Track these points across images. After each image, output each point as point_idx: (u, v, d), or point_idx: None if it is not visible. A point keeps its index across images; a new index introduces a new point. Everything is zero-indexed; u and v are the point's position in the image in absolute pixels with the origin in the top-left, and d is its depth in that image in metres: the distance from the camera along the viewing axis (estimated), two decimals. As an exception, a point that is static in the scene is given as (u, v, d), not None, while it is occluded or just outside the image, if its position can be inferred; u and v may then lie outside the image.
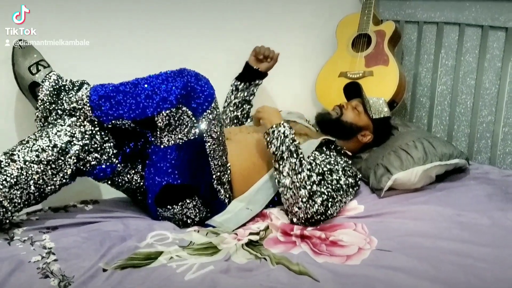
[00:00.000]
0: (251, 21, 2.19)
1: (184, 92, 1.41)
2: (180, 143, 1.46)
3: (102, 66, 1.55)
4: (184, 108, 1.42)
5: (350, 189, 1.70)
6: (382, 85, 2.12)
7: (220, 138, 1.54)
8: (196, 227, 1.57)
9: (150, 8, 1.93)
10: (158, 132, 1.46)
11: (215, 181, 1.57)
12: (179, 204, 1.55)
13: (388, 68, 2.12)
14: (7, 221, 1.40)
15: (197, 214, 1.59)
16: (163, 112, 1.41)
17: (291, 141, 1.59)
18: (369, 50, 2.19)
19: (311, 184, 1.55)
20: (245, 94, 2.07)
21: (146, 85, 1.43)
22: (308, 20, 2.34)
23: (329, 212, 1.58)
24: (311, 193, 1.54)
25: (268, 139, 1.63)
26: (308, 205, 1.54)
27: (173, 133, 1.45)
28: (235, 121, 2.09)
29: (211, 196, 1.58)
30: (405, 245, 1.43)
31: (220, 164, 1.56)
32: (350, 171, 1.73)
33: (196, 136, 1.46)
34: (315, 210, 1.54)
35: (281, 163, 1.57)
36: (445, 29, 2.12)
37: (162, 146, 1.48)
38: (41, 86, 1.52)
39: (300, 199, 1.54)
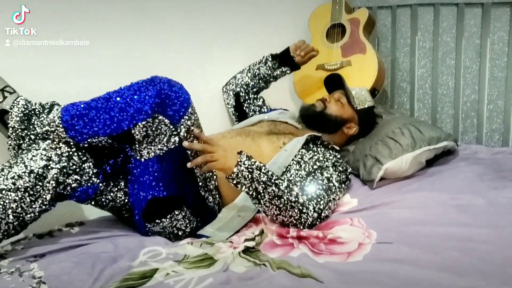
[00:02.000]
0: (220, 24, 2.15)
1: (158, 100, 1.35)
2: (161, 154, 1.40)
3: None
4: (160, 117, 1.37)
5: (343, 185, 1.66)
6: (361, 74, 2.09)
7: (202, 143, 1.48)
8: (189, 239, 1.51)
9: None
10: (137, 145, 1.40)
11: (202, 189, 1.51)
12: (168, 216, 1.49)
13: (366, 56, 2.09)
14: (-12, 254, 1.32)
15: (188, 225, 1.53)
16: (139, 123, 1.35)
17: (258, 173, 1.42)
18: (344, 39, 2.16)
19: (296, 198, 1.48)
20: (268, 72, 2.04)
21: (118, 98, 1.37)
22: (279, 15, 2.31)
23: (323, 214, 1.53)
24: (301, 207, 1.48)
25: (234, 182, 1.43)
26: (302, 220, 1.49)
27: (153, 144, 1.40)
28: (243, 88, 2.06)
29: (200, 204, 1.52)
30: (405, 235, 1.40)
31: (205, 171, 1.50)
32: (341, 166, 1.69)
33: (177, 144, 1.41)
34: (310, 221, 1.50)
35: (259, 198, 1.45)
36: (419, 11, 2.10)
37: (142, 160, 1.42)
38: (10, 113, 1.44)
39: (292, 218, 1.49)
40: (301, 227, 1.49)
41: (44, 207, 1.39)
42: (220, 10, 2.13)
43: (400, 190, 1.71)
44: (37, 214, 1.38)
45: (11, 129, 1.44)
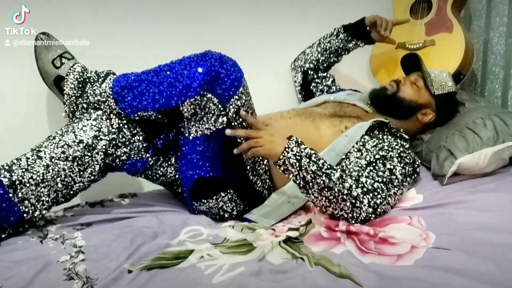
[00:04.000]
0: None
1: (208, 78, 1.29)
2: (209, 133, 1.35)
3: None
4: (209, 95, 1.31)
5: (408, 179, 1.51)
6: (445, 55, 1.87)
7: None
8: (233, 221, 1.46)
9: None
10: (186, 122, 1.36)
11: (250, 173, 1.44)
12: (214, 197, 1.45)
13: (452, 36, 1.87)
14: (37, 218, 1.36)
15: (234, 208, 1.48)
16: (187, 100, 1.30)
17: (307, 161, 1.32)
18: (429, 16, 1.95)
19: (349, 190, 1.35)
20: (340, 45, 1.90)
21: (168, 72, 1.33)
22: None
23: (379, 210, 1.39)
24: (354, 201, 1.35)
25: (281, 169, 1.35)
26: (354, 214, 1.36)
27: (200, 122, 1.34)
28: (313, 63, 1.94)
29: (247, 188, 1.46)
30: (467, 242, 1.23)
31: (254, 153, 1.42)
32: (408, 157, 1.53)
33: (225, 125, 1.34)
34: (364, 216, 1.37)
35: (307, 187, 1.34)
36: (520, -15, 1.83)
37: (190, 137, 1.38)
38: (65, 79, 1.46)
39: (343, 212, 1.37)
40: (353, 222, 1.38)
41: (93, 177, 1.40)
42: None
43: (474, 189, 1.51)
44: (86, 183, 1.41)
45: (66, 96, 1.46)
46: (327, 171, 1.33)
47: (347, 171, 1.44)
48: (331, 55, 1.93)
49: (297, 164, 1.31)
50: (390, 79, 1.81)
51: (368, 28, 1.84)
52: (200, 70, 1.29)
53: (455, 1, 1.91)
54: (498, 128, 1.58)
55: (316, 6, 2.08)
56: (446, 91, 1.70)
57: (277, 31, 2.04)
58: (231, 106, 1.33)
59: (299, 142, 1.34)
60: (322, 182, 1.32)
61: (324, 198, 1.35)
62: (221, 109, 1.33)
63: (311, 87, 1.96)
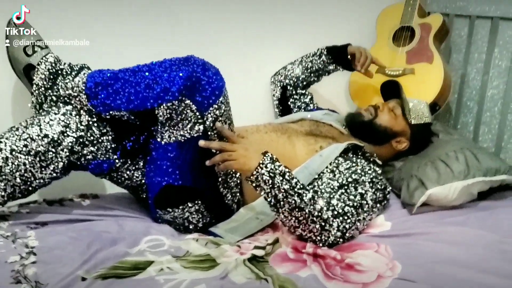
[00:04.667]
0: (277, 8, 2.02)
1: (188, 83, 1.24)
2: (182, 141, 1.30)
3: (102, 66, 1.49)
4: (187, 101, 1.26)
5: (377, 205, 1.49)
6: (424, 85, 1.88)
7: (228, 137, 1.36)
8: (197, 234, 1.41)
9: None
10: (160, 127, 1.31)
11: (221, 185, 1.39)
12: (180, 207, 1.39)
13: (432, 66, 1.88)
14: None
15: (200, 220, 1.43)
16: (164, 104, 1.25)
17: (280, 179, 1.28)
18: (411, 44, 1.96)
19: (319, 212, 1.32)
20: (321, 66, 1.88)
21: (147, 73, 1.28)
22: (346, 9, 2.13)
23: (347, 234, 1.37)
24: (323, 223, 1.32)
25: (253, 185, 1.31)
26: (322, 237, 1.33)
27: (175, 128, 1.29)
28: (293, 80, 1.92)
29: (217, 200, 1.41)
30: (433, 275, 1.22)
31: (227, 166, 1.38)
32: (379, 183, 1.51)
33: (200, 133, 1.29)
34: (332, 239, 1.34)
35: (278, 206, 1.31)
36: (500, 25, 1.85)
37: (163, 142, 1.32)
38: (36, 69, 1.39)
39: (311, 234, 1.34)
40: (320, 245, 1.35)
41: (55, 174, 1.33)
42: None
43: (442, 221, 1.51)
44: (47, 180, 1.34)
45: (35, 86, 1.39)
46: (300, 191, 1.30)
47: (319, 192, 1.41)
48: (312, 75, 1.91)
49: (270, 181, 1.27)
50: (368, 103, 1.81)
51: (349, 57, 1.83)
52: (181, 74, 1.24)
53: (437, 33, 1.92)
54: (469, 162, 1.59)
55: (301, 26, 2.07)
56: (423, 121, 1.70)
57: (262, 44, 2.02)
58: (209, 115, 1.29)
59: (274, 159, 1.31)
60: (293, 201, 1.29)
61: (294, 218, 1.31)
62: (199, 117, 1.28)
63: (289, 103, 1.94)
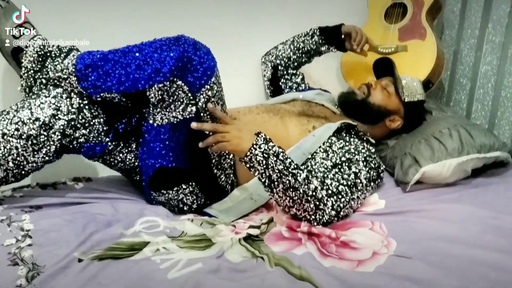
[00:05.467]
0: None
1: (180, 64, 1.23)
2: (175, 122, 1.29)
3: (90, 37, 1.48)
4: (179, 82, 1.24)
5: (371, 183, 1.49)
6: (416, 62, 1.87)
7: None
8: (192, 215, 1.41)
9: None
10: (151, 108, 1.30)
11: (214, 166, 1.39)
12: (174, 189, 1.39)
13: (425, 43, 1.87)
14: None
15: (194, 201, 1.43)
16: (155, 85, 1.24)
17: (274, 159, 1.27)
18: (404, 21, 1.94)
19: (314, 192, 1.32)
20: (314, 47, 1.86)
21: (137, 54, 1.26)
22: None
23: (342, 213, 1.38)
24: (318, 203, 1.33)
25: (247, 166, 1.30)
26: (316, 216, 1.34)
27: (167, 110, 1.28)
28: (284, 61, 1.90)
29: (210, 182, 1.41)
30: (428, 251, 1.23)
31: (220, 147, 1.38)
32: (373, 162, 1.52)
33: (193, 115, 1.28)
34: (326, 218, 1.35)
35: (272, 186, 1.30)
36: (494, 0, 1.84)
37: (155, 124, 1.31)
38: (24, 51, 1.37)
39: (306, 213, 1.34)
40: (315, 224, 1.35)
41: (47, 158, 1.32)
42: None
43: (435, 198, 1.52)
44: (39, 164, 1.32)
45: (24, 69, 1.37)
46: (294, 171, 1.30)
47: (312, 172, 1.41)
48: (303, 55, 1.90)
49: (264, 162, 1.27)
50: (360, 82, 1.80)
51: (343, 36, 1.81)
52: (171, 54, 1.22)
53: (430, 9, 1.91)
54: (463, 139, 1.59)
55: (293, 5, 2.04)
56: (416, 99, 1.70)
57: (253, 24, 2.00)
58: (201, 96, 1.28)
59: (267, 139, 1.30)
60: (287, 182, 1.29)
61: (288, 198, 1.31)
62: (191, 98, 1.27)
63: (280, 83, 1.92)
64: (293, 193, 1.30)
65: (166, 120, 1.29)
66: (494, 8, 1.84)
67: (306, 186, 1.30)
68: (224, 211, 1.43)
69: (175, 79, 1.23)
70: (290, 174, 1.29)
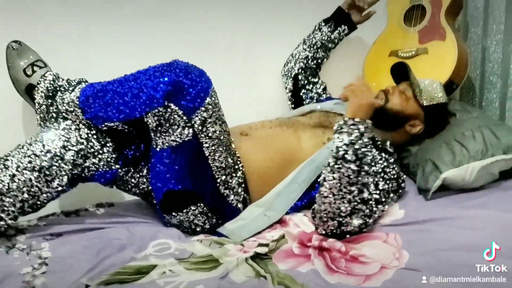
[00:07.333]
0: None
1: (171, 88, 1.25)
2: (175, 145, 1.31)
3: (102, 66, 1.52)
4: (173, 107, 1.27)
5: (391, 194, 1.44)
6: (438, 64, 1.79)
7: (222, 138, 1.36)
8: (202, 235, 1.42)
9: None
10: (153, 134, 1.33)
11: (221, 186, 1.39)
12: (184, 211, 1.40)
13: (445, 43, 1.79)
14: (3, 228, 1.34)
15: (206, 221, 1.43)
16: (151, 112, 1.27)
17: (363, 145, 1.31)
18: (423, 23, 1.87)
19: (358, 201, 1.31)
20: (325, 37, 1.88)
21: (132, 82, 1.30)
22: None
23: (365, 229, 1.37)
24: (353, 211, 1.31)
25: (337, 127, 1.35)
26: (344, 222, 1.32)
27: (166, 134, 1.31)
28: (304, 62, 1.90)
29: (219, 201, 1.41)
30: (442, 263, 1.17)
31: (224, 166, 1.38)
32: (391, 172, 1.46)
33: (191, 137, 1.30)
34: (348, 231, 1.33)
35: (338, 162, 1.30)
36: (518, -9, 1.74)
37: (157, 149, 1.34)
38: (36, 88, 1.44)
39: (338, 212, 1.32)
40: (334, 231, 1.34)
41: (61, 188, 1.37)
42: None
43: (459, 205, 1.44)
44: (54, 194, 1.38)
45: (37, 104, 1.44)
46: (362, 168, 1.32)
47: None
48: (319, 50, 1.89)
49: (356, 136, 1.31)
50: (384, 87, 1.75)
51: (347, 10, 1.84)
52: (164, 80, 1.25)
53: (449, 8, 1.83)
54: (487, 140, 1.50)
55: (306, 16, 2.02)
56: (436, 102, 1.62)
57: (275, 36, 2.00)
58: (196, 118, 1.29)
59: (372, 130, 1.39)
60: (351, 170, 1.29)
61: (338, 183, 1.30)
62: (186, 120, 1.29)
63: (301, 94, 1.90)
64: (345, 184, 1.30)
65: (167, 144, 1.32)
66: (517, 0, 1.74)
67: (359, 188, 1.32)
68: (237, 229, 1.42)
69: (169, 104, 1.26)
70: (360, 167, 1.31)
